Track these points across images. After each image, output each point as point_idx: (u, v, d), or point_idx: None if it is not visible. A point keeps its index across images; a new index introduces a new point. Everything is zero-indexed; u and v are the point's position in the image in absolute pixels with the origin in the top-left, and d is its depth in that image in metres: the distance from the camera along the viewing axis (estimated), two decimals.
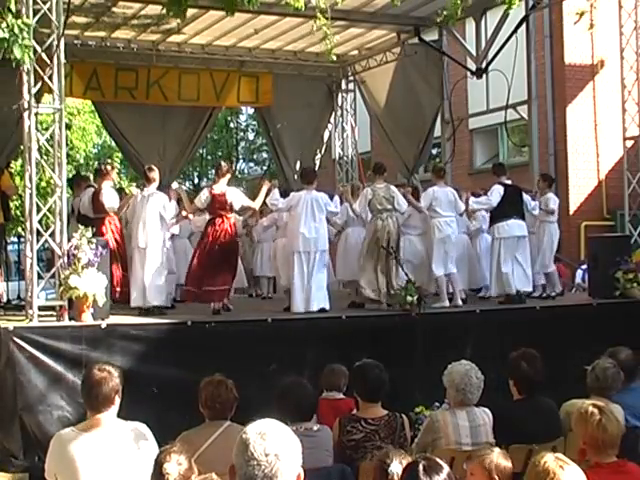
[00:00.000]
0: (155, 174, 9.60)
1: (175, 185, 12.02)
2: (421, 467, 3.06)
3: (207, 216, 9.69)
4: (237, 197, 9.47)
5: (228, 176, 9.57)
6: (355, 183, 12.31)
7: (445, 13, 9.52)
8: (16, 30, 7.00)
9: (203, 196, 9.49)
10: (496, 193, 10.20)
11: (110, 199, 9.41)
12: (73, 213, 9.89)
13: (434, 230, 10.05)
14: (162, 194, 9.59)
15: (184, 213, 10.04)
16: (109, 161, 15.29)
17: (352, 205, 10.04)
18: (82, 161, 24.20)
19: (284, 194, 9.98)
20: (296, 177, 14.85)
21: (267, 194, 9.74)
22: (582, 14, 9.92)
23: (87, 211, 9.55)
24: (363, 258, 9.72)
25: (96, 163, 24.92)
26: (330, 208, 9.67)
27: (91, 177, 11.20)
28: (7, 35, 6.98)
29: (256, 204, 9.90)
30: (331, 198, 9.99)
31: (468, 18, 12.12)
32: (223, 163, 10.04)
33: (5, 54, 7.13)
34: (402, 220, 10.04)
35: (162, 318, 8.64)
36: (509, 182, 10.44)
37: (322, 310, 9.25)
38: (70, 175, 10.96)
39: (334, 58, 9.72)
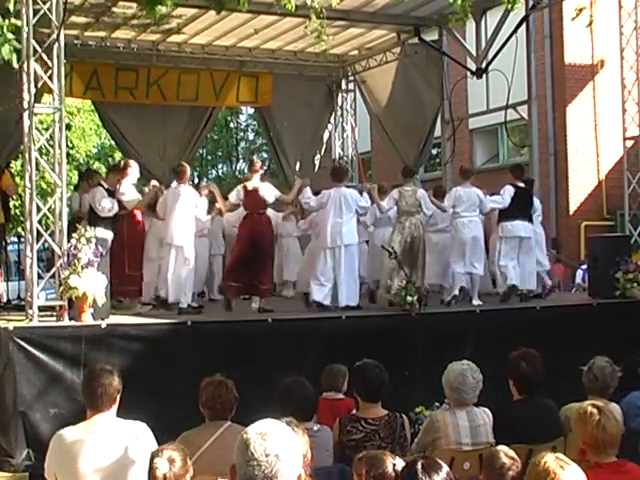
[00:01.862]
0: (186, 171, 9.71)
1: (206, 182, 12.08)
2: (420, 466, 3.05)
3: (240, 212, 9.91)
4: (270, 192, 9.63)
5: (261, 172, 9.79)
6: (382, 184, 12.42)
7: (457, 16, 9.51)
8: (5, 30, 6.98)
9: (237, 192, 9.67)
10: (508, 194, 10.38)
11: (130, 195, 9.40)
12: (80, 209, 10.05)
13: (456, 230, 10.24)
14: (194, 190, 9.70)
15: (218, 207, 10.26)
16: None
17: (379, 203, 10.15)
18: (82, 161, 24.21)
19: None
20: (296, 177, 14.87)
21: (298, 192, 9.97)
22: (581, 10, 9.91)
23: (100, 209, 9.51)
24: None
25: (96, 163, 25.00)
26: (361, 203, 9.86)
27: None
28: None
29: (289, 198, 10.13)
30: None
31: (467, 18, 12.11)
32: (256, 159, 10.40)
33: None
34: (425, 222, 10.20)
35: (190, 317, 8.67)
36: (522, 185, 10.58)
37: (350, 307, 9.39)
38: (71, 174, 10.98)
39: (330, 57, 9.74)
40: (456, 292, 10.04)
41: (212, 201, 10.20)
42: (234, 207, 10.34)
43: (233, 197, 9.75)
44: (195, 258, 9.48)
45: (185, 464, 3.72)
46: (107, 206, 9.43)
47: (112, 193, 9.54)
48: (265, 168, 28.77)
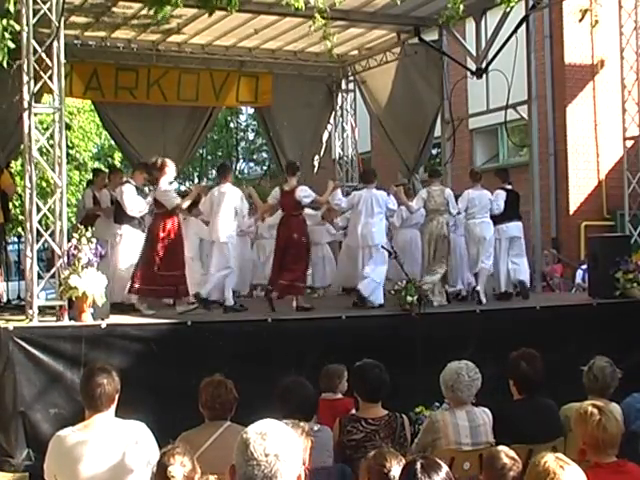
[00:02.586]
0: (230, 170, 10.05)
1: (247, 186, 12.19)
2: (419, 466, 3.05)
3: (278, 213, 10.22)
4: (306, 194, 9.82)
5: (299, 174, 10.07)
6: (403, 181, 12.60)
7: (447, 13, 9.51)
8: (1, 31, 6.98)
9: (274, 193, 9.94)
10: (501, 199, 10.70)
11: (171, 195, 9.39)
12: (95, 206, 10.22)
13: (468, 231, 10.58)
14: (238, 190, 9.84)
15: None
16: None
17: (408, 204, 10.37)
18: (82, 161, 24.19)
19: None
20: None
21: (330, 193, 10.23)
22: (586, 11, 9.87)
23: (131, 208, 9.55)
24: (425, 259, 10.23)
25: (96, 163, 24.98)
26: (390, 205, 10.15)
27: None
28: None
29: (323, 200, 10.30)
30: None
31: (468, 18, 12.11)
32: (292, 161, 10.61)
33: None
34: (452, 221, 10.61)
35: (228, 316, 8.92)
36: (510, 187, 11.00)
37: (381, 306, 9.61)
38: (71, 174, 11.00)
39: (335, 57, 9.79)
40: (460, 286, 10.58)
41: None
42: (273, 209, 10.60)
43: (271, 199, 10.08)
44: (238, 257, 9.83)
45: (194, 466, 3.71)
46: (139, 205, 9.50)
47: (140, 191, 9.67)
48: (265, 169, 28.92)
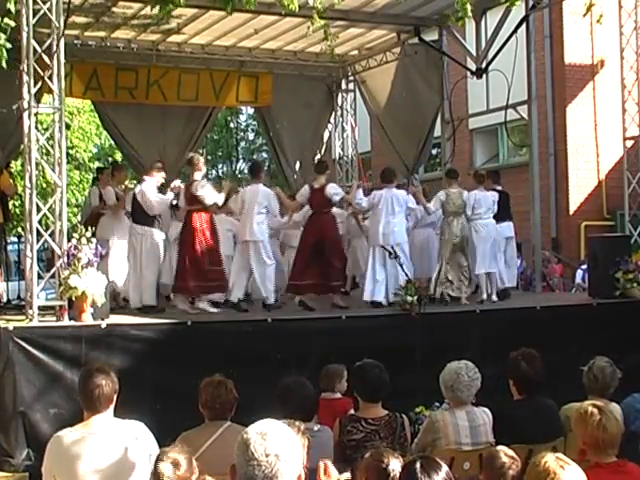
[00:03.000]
0: (262, 169, 10.08)
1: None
2: (419, 465, 3.05)
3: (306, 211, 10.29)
4: (336, 191, 9.95)
5: (328, 172, 10.17)
6: (424, 186, 12.63)
7: (458, 15, 9.51)
8: None
9: (304, 191, 10.03)
10: (495, 200, 10.89)
11: (209, 191, 9.39)
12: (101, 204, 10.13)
13: (475, 232, 10.67)
14: (268, 190, 9.90)
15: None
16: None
17: (426, 205, 10.52)
18: (82, 161, 24.20)
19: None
20: (296, 177, 14.87)
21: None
22: (590, 7, 9.82)
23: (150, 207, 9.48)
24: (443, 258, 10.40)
25: (96, 163, 24.98)
26: (410, 204, 10.29)
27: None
28: None
29: (350, 198, 10.41)
30: None
31: (468, 18, 12.10)
32: (322, 159, 10.70)
33: None
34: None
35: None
36: (500, 188, 11.33)
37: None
38: (71, 174, 10.99)
39: (335, 57, 9.82)
40: (484, 296, 10.61)
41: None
42: (300, 207, 10.65)
43: (300, 197, 10.12)
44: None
45: (190, 466, 3.71)
46: (162, 204, 9.51)
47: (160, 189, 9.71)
48: (265, 169, 28.91)
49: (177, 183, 9.79)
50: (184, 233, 9.34)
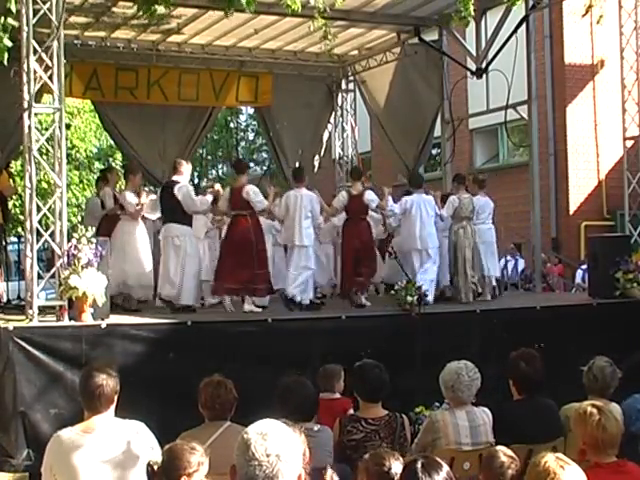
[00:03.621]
0: (304, 174, 10.27)
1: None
2: (420, 465, 3.05)
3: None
4: (373, 197, 10.17)
5: (363, 178, 10.43)
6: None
7: (461, 15, 9.52)
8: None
9: (342, 198, 10.21)
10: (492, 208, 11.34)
11: (260, 195, 9.48)
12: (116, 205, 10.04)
13: (479, 236, 10.89)
14: (311, 194, 10.03)
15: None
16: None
17: (439, 210, 10.67)
18: (82, 161, 24.19)
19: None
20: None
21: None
22: (590, 7, 9.83)
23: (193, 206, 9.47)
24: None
25: (96, 163, 24.98)
26: (436, 209, 10.51)
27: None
28: None
29: (384, 204, 10.53)
30: None
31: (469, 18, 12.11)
32: (356, 166, 10.94)
33: None
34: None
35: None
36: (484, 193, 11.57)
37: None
38: (71, 174, 10.94)
39: (334, 57, 9.84)
40: (488, 297, 10.94)
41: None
42: (336, 213, 10.77)
43: (338, 203, 10.25)
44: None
45: (204, 454, 3.72)
46: (203, 204, 9.52)
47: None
48: (265, 169, 28.93)
49: (217, 187, 9.91)
50: (232, 236, 9.45)
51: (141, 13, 8.69)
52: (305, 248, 9.81)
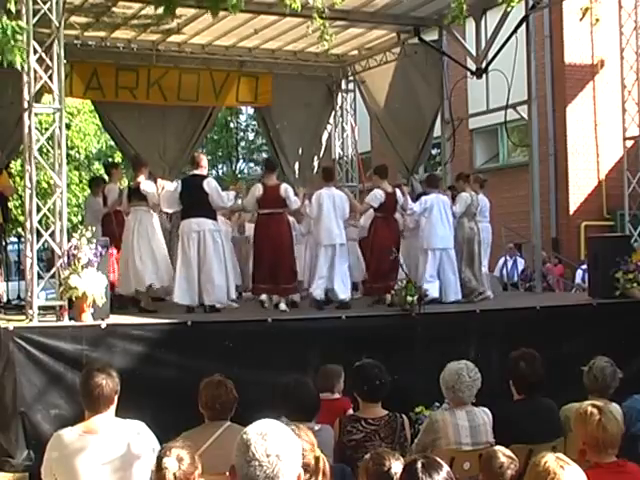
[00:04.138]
0: (335, 174, 10.34)
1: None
2: (420, 465, 3.05)
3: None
4: (400, 196, 10.30)
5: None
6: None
7: (452, 14, 9.52)
8: (9, 32, 6.97)
9: (378, 195, 10.18)
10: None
11: (295, 198, 9.57)
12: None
13: (478, 234, 10.96)
14: (342, 193, 10.11)
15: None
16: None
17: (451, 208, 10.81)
18: (82, 161, 24.19)
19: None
20: (297, 176, 14.87)
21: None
22: (586, 10, 9.85)
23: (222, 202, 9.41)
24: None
25: (96, 163, 24.99)
26: (452, 208, 10.64)
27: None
28: (0, 37, 6.95)
29: (406, 204, 10.63)
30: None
31: (468, 18, 12.11)
32: (383, 164, 11.00)
33: None
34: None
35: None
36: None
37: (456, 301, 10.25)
38: (71, 174, 10.89)
39: (332, 56, 9.84)
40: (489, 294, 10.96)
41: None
42: (367, 210, 10.77)
43: (374, 200, 10.23)
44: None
45: (193, 461, 3.71)
46: (229, 200, 9.52)
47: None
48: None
49: (241, 185, 9.95)
50: (270, 235, 9.49)
51: (160, 12, 8.66)
52: (344, 246, 9.96)
